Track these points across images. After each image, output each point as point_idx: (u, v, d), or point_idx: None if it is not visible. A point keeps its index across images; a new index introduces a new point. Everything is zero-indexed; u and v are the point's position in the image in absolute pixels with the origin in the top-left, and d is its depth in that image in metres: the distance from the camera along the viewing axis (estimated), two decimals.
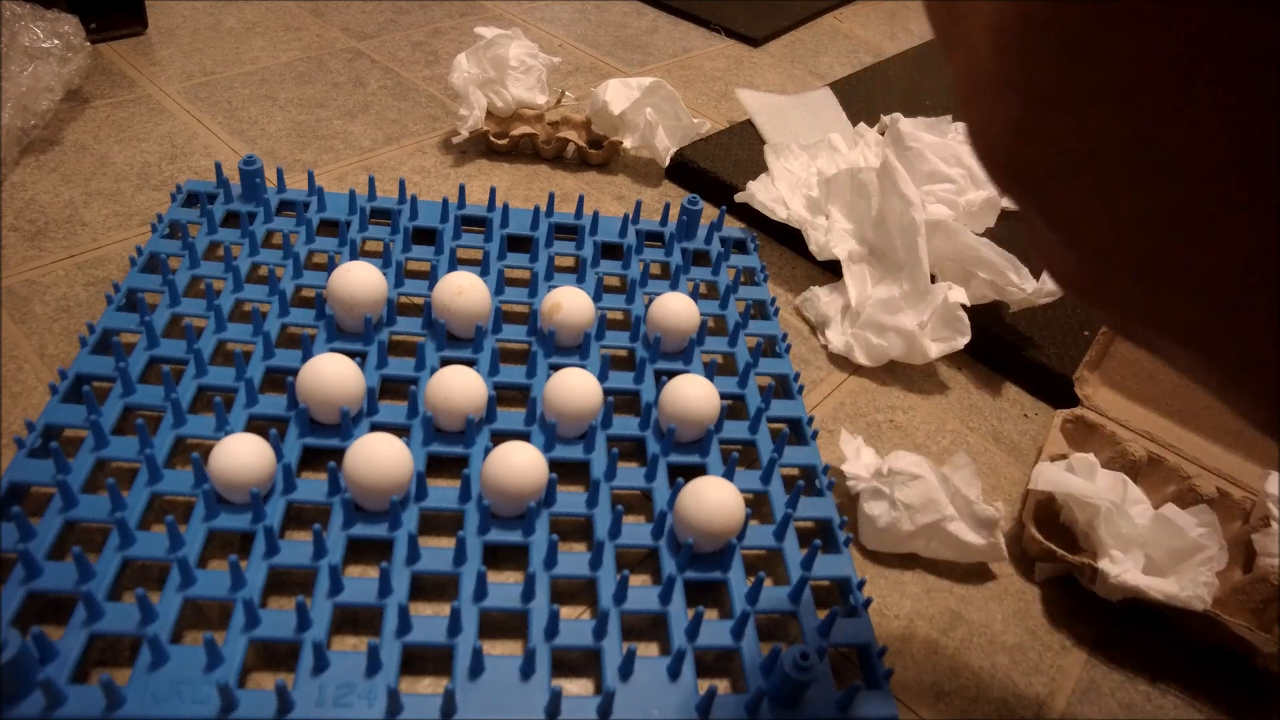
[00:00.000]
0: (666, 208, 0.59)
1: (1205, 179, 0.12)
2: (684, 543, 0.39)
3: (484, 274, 0.53)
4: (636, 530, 0.41)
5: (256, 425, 0.42)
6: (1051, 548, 0.43)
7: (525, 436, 0.44)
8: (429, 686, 0.36)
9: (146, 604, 0.33)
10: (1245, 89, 0.11)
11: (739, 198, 0.63)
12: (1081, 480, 0.46)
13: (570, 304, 0.48)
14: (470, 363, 0.47)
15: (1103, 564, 0.42)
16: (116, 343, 0.42)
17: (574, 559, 0.39)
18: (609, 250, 0.59)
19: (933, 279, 0.55)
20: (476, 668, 0.34)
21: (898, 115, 0.67)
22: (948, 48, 0.18)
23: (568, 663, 0.37)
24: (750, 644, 0.37)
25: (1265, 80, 0.10)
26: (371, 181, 0.56)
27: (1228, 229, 0.12)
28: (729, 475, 0.43)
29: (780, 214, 0.61)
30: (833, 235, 0.59)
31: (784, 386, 0.51)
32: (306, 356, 0.44)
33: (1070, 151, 0.14)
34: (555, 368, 0.47)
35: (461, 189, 0.57)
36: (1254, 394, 0.14)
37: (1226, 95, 0.11)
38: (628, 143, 0.68)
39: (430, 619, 0.36)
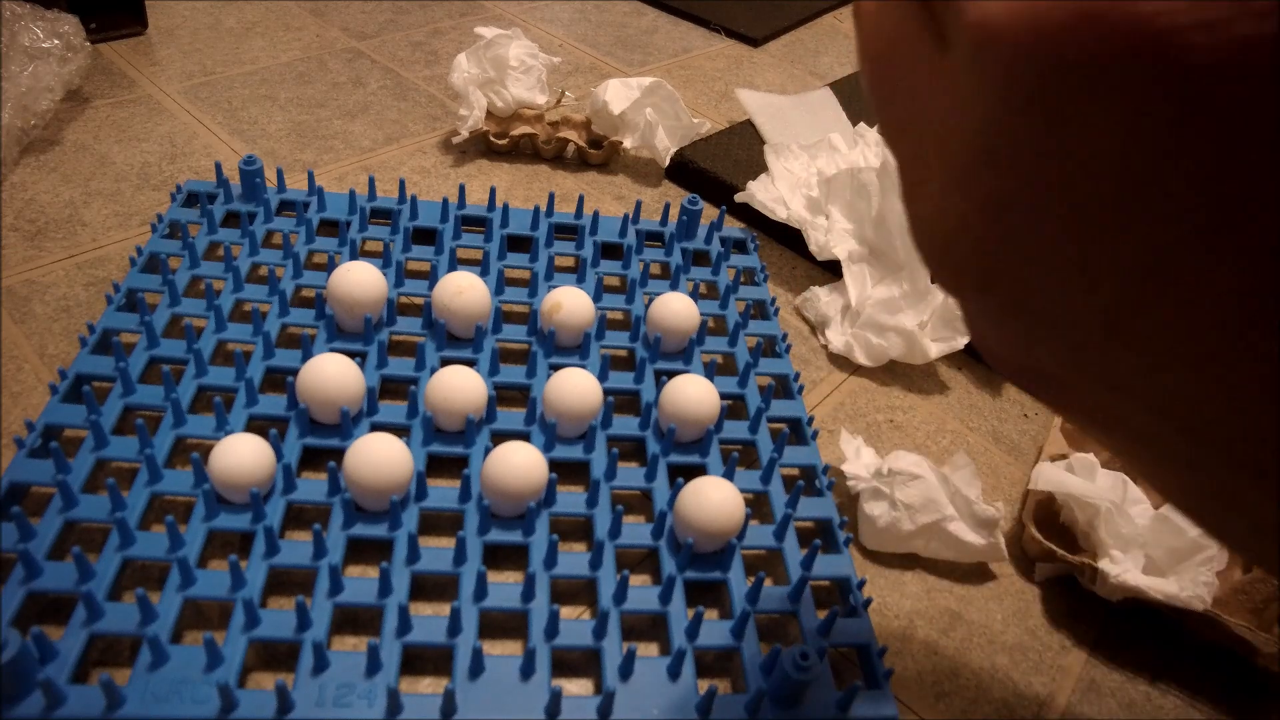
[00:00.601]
0: (666, 208, 0.59)
1: (1192, 244, 0.11)
2: (684, 543, 0.39)
3: (484, 274, 0.53)
4: (636, 530, 0.41)
5: (256, 425, 0.42)
6: (1051, 548, 0.43)
7: (525, 436, 0.44)
8: (429, 686, 0.36)
9: (146, 604, 0.33)
10: (1233, 150, 0.10)
11: (739, 198, 0.63)
12: (1081, 480, 0.46)
13: (570, 304, 0.48)
14: (470, 363, 0.47)
15: (1103, 564, 0.42)
16: (116, 343, 0.42)
17: (574, 559, 0.39)
18: (609, 250, 0.59)
19: (933, 279, 0.55)
20: (476, 668, 0.34)
21: None
22: (901, 125, 0.16)
23: (568, 663, 0.37)
24: (750, 644, 0.37)
25: (1253, 137, 0.10)
26: (371, 181, 0.56)
27: (1210, 293, 0.11)
28: (729, 475, 0.43)
29: (780, 214, 0.61)
30: (833, 235, 0.59)
31: (784, 386, 0.51)
32: (306, 356, 0.44)
33: (1052, 229, 0.13)
34: (555, 368, 0.47)
35: (461, 189, 0.57)
36: (1230, 463, 0.13)
37: (1218, 157, 0.11)
38: (628, 143, 0.68)
39: (430, 619, 0.36)
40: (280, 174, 0.56)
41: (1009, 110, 0.12)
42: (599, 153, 0.69)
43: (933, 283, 0.17)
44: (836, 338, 0.56)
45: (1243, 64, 0.10)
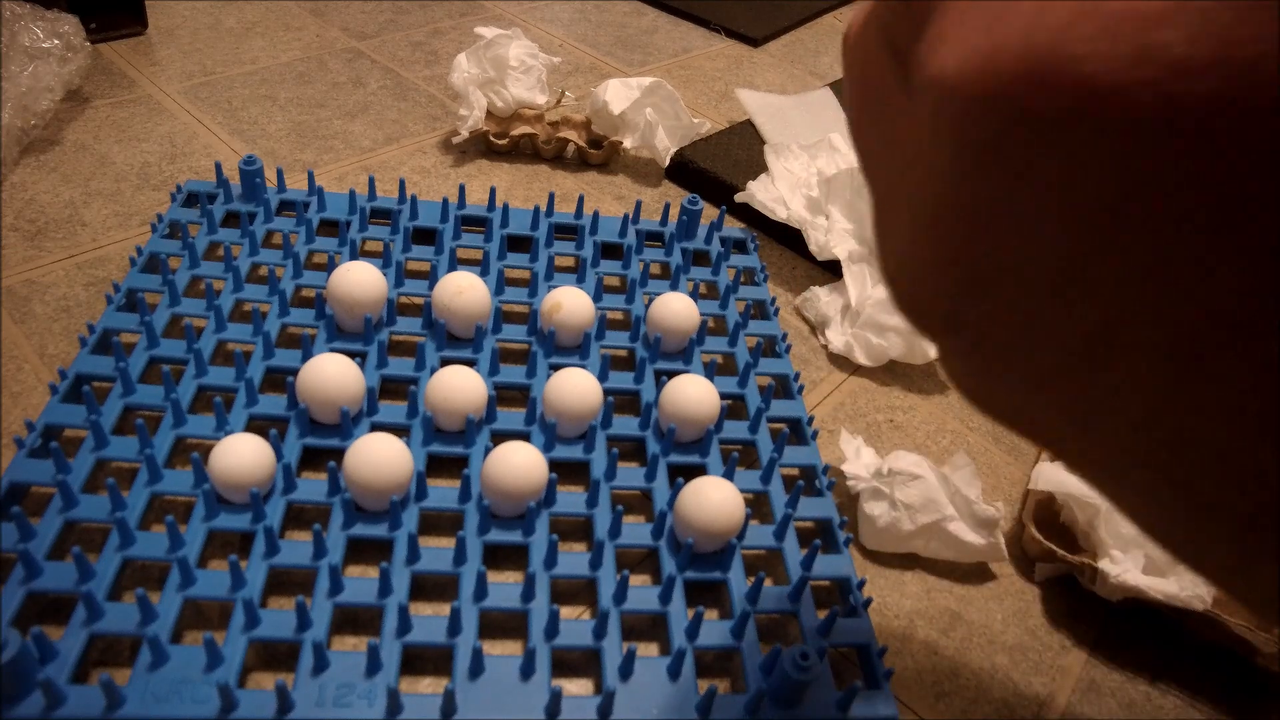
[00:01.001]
0: (666, 208, 0.59)
1: (1170, 269, 0.11)
2: (684, 543, 0.39)
3: (484, 274, 0.53)
4: (636, 530, 0.41)
5: (256, 425, 0.42)
6: (1051, 548, 0.43)
7: (525, 436, 0.44)
8: (429, 686, 0.36)
9: (146, 604, 0.33)
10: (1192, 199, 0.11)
11: (739, 198, 0.63)
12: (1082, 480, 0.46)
13: (570, 304, 0.48)
14: (470, 363, 0.47)
15: (1103, 564, 0.42)
16: (116, 343, 0.42)
17: (574, 559, 0.39)
18: (609, 250, 0.59)
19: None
20: (476, 668, 0.34)
21: None
22: (875, 163, 0.16)
23: (568, 663, 0.37)
24: (750, 644, 0.37)
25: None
26: (371, 181, 0.56)
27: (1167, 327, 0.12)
28: (729, 475, 0.43)
29: (780, 214, 0.61)
30: (833, 235, 0.59)
31: (784, 386, 0.51)
32: (306, 356, 0.44)
33: (1012, 275, 0.13)
34: (555, 368, 0.47)
35: (461, 189, 0.57)
36: (1200, 491, 0.13)
37: (1163, 201, 0.11)
38: (628, 143, 0.68)
39: (430, 619, 0.36)
40: (280, 174, 0.56)
41: (966, 161, 0.13)
42: (599, 153, 0.69)
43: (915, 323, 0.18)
44: (836, 338, 0.56)
45: (1176, 121, 0.10)
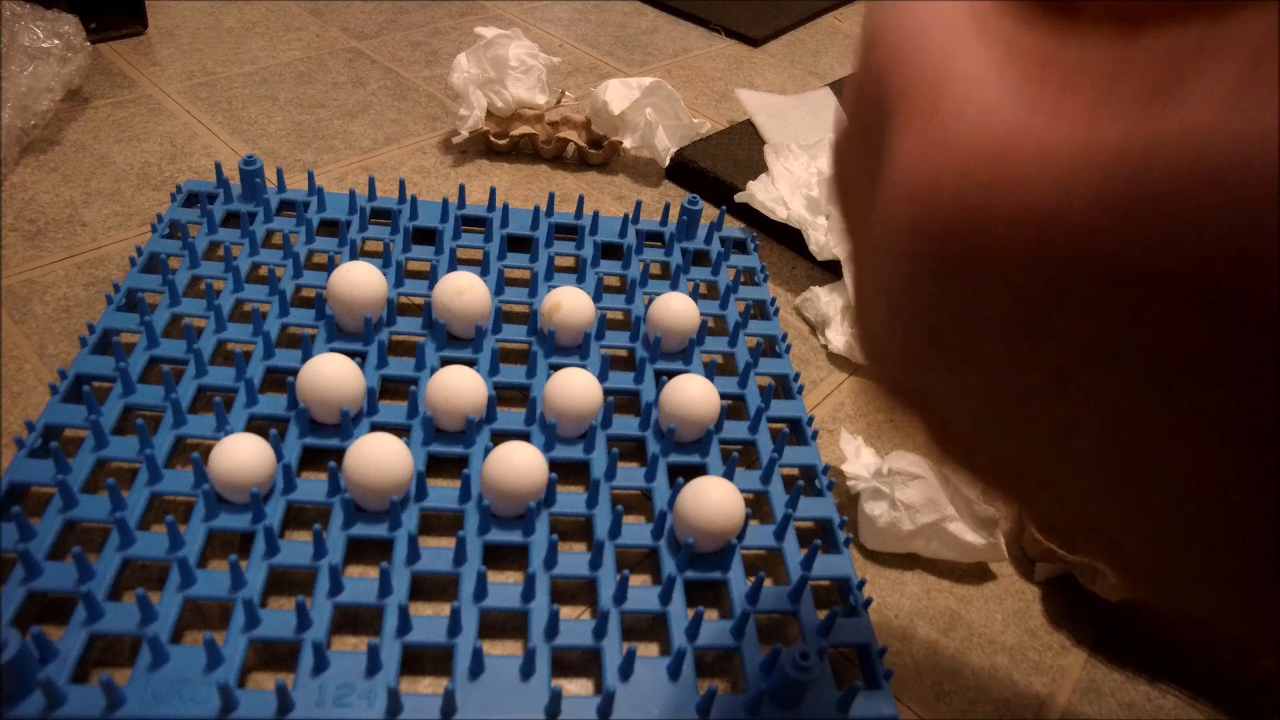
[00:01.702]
0: (666, 208, 0.59)
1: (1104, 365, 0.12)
2: (684, 543, 0.39)
3: (484, 274, 0.53)
4: (636, 530, 0.41)
5: (256, 425, 0.42)
6: (1051, 548, 0.43)
7: (525, 436, 0.44)
8: (429, 686, 0.36)
9: (146, 604, 0.33)
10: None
11: (739, 198, 0.63)
12: None
13: (570, 304, 0.48)
14: (470, 363, 0.47)
15: (1102, 564, 0.42)
16: (116, 343, 0.42)
17: (574, 559, 0.39)
18: (609, 250, 0.59)
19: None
20: (476, 668, 0.34)
21: None
22: (853, 239, 0.17)
23: (568, 663, 0.37)
24: (750, 644, 0.37)
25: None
26: (371, 181, 0.56)
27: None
28: (729, 475, 0.43)
29: (780, 214, 0.61)
30: (833, 235, 0.59)
31: (784, 386, 0.51)
32: (306, 356, 0.44)
33: (964, 371, 0.14)
34: (555, 368, 0.47)
35: (461, 189, 0.57)
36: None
37: (1084, 305, 0.11)
38: (628, 143, 0.68)
39: (430, 619, 0.36)
40: (280, 174, 0.56)
41: (913, 267, 0.13)
42: (599, 153, 0.69)
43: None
44: (836, 338, 0.56)
45: (1096, 254, 0.11)
